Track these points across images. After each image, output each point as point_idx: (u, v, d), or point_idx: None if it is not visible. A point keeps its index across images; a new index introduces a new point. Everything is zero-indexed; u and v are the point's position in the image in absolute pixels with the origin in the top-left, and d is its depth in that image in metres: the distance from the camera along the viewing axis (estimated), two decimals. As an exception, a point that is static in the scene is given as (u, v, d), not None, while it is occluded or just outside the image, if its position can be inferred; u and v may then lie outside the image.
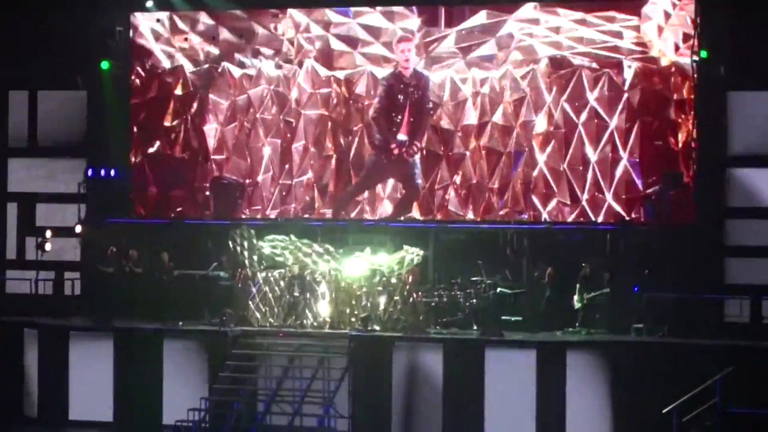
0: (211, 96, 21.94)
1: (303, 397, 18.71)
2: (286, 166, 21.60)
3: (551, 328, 18.93)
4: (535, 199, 20.58)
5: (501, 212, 20.73)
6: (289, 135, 21.67)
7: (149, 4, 22.37)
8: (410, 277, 19.72)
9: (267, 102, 21.72)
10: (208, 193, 21.94)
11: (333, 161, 21.54)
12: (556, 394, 18.14)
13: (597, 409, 18.01)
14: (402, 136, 21.06)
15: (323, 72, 21.39)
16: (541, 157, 20.61)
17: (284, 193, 21.77)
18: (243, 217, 21.59)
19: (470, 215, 21.06)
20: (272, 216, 21.65)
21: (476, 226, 20.71)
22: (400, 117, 21.11)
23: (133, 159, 22.22)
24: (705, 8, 19.83)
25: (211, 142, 21.94)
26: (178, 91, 22.06)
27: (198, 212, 21.85)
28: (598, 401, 18.04)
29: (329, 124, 21.50)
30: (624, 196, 20.50)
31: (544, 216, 20.62)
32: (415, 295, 19.49)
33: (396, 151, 20.98)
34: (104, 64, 22.11)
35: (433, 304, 19.57)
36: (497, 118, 20.65)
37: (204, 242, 21.20)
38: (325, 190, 21.48)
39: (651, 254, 19.57)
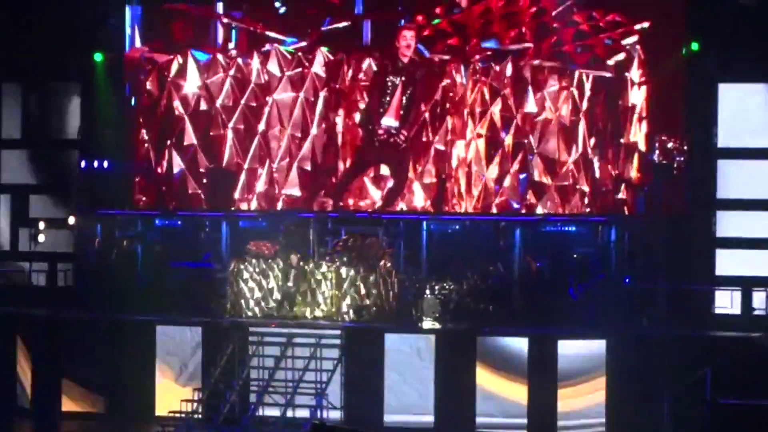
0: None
1: (295, 387, 18.58)
2: (279, 153, 21.39)
3: (543, 321, 18.86)
4: (530, 191, 20.46)
5: (496, 201, 20.53)
6: (267, 120, 21.45)
7: None
8: (385, 263, 19.59)
9: (229, 89, 21.50)
10: (204, 181, 21.64)
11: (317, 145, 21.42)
12: (547, 385, 18.07)
13: (588, 400, 17.97)
14: (390, 121, 20.81)
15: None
16: (538, 148, 20.44)
17: (273, 182, 21.50)
18: (233, 209, 21.25)
19: (466, 206, 20.79)
20: (262, 207, 21.37)
21: (469, 218, 20.50)
22: (389, 100, 20.81)
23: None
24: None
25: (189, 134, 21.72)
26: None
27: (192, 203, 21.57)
28: (589, 392, 17.99)
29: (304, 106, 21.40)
30: (616, 188, 20.37)
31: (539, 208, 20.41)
32: (386, 281, 19.42)
33: (384, 136, 20.74)
34: (97, 56, 21.88)
35: (425, 296, 19.22)
36: (496, 108, 20.52)
37: (197, 234, 20.91)
38: (317, 175, 21.31)
39: (643, 245, 19.40)
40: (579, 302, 18.86)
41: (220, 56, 21.59)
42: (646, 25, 20.10)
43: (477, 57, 20.62)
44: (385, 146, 20.79)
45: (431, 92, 20.92)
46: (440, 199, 20.78)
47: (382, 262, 19.59)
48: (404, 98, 20.65)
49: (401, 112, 20.61)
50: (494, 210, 20.45)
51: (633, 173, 20.42)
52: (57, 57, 21.73)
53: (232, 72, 21.58)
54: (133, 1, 22.01)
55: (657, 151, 19.98)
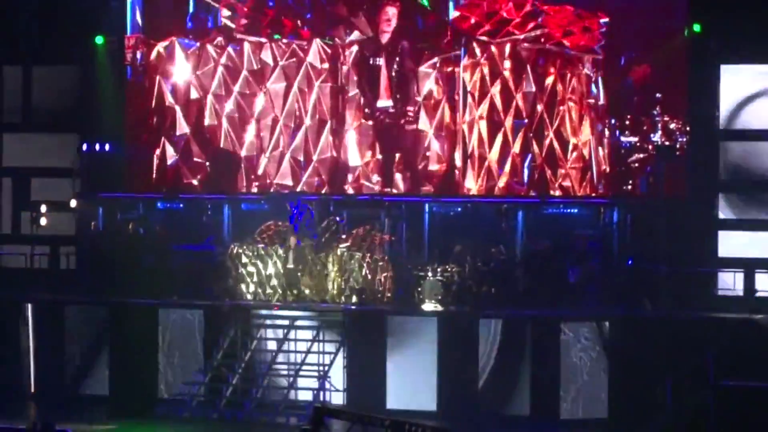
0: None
1: (298, 370, 18.76)
2: (280, 140, 21.48)
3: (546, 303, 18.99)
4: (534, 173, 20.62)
5: (500, 183, 20.63)
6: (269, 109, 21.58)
7: None
8: (375, 244, 19.69)
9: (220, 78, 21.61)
10: (208, 163, 21.80)
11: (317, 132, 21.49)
12: (552, 366, 18.20)
13: (591, 382, 18.08)
14: (385, 102, 21.01)
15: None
16: (539, 131, 20.58)
17: (276, 167, 21.59)
18: (236, 192, 21.42)
19: (471, 186, 20.88)
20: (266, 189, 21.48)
21: (469, 200, 20.63)
22: (378, 82, 21.02)
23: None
24: None
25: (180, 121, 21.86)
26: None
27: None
28: (593, 374, 18.12)
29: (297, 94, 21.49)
30: (618, 170, 20.59)
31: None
32: (369, 262, 19.52)
33: (383, 118, 20.96)
34: (98, 39, 21.96)
35: (428, 278, 19.25)
36: (496, 90, 20.62)
37: (199, 216, 21.05)
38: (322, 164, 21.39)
39: (645, 227, 19.48)
40: (579, 285, 19.00)
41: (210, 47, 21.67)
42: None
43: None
44: (391, 128, 20.96)
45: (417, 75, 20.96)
46: (448, 181, 20.93)
47: (380, 247, 19.73)
48: (393, 76, 20.77)
49: (392, 91, 20.76)
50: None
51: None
52: (58, 40, 21.74)
53: (223, 60, 21.65)
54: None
55: (659, 132, 20.16)
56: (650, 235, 19.56)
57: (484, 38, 20.87)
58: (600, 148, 20.63)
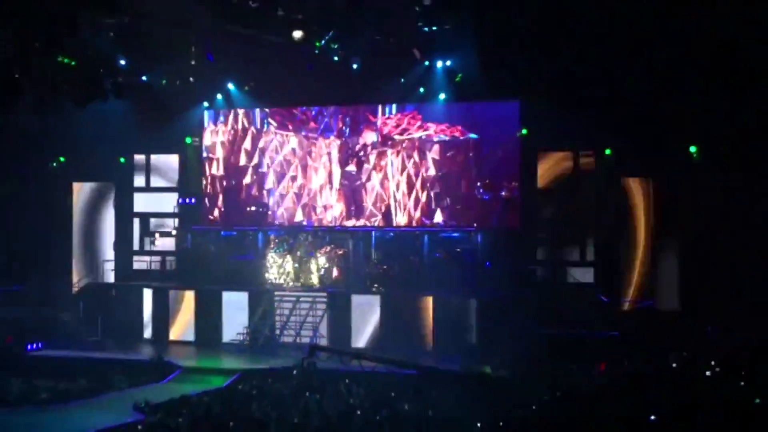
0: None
1: (301, 326, 18.96)
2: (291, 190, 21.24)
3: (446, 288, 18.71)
4: (438, 213, 20.70)
5: (415, 218, 20.61)
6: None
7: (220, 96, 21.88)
8: (337, 255, 19.54)
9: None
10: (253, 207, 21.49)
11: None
12: (443, 325, 18.02)
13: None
14: (351, 168, 20.74)
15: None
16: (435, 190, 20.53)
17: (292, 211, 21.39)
18: (265, 225, 21.32)
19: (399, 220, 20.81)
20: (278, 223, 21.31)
21: (397, 229, 20.52)
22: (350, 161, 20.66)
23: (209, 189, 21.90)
24: (523, 104, 19.82)
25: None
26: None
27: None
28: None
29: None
30: (481, 211, 20.35)
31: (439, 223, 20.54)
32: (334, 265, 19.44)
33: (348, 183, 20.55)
34: (188, 139, 22.41)
35: (374, 272, 19.43)
36: (409, 165, 20.66)
37: (242, 240, 21.07)
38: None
39: (496, 244, 19.41)
40: (460, 279, 18.82)
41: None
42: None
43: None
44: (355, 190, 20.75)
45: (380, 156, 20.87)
46: (387, 217, 20.88)
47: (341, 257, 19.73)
48: (360, 155, 20.61)
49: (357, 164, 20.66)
50: (413, 224, 20.75)
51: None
52: (165, 139, 22.04)
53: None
54: (208, 107, 22.36)
55: (504, 190, 20.18)
56: (500, 248, 19.36)
57: (398, 137, 20.75)
58: (473, 198, 20.39)
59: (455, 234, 19.91)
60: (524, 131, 20.14)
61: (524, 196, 20.16)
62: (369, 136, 20.94)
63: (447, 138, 20.42)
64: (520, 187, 20.21)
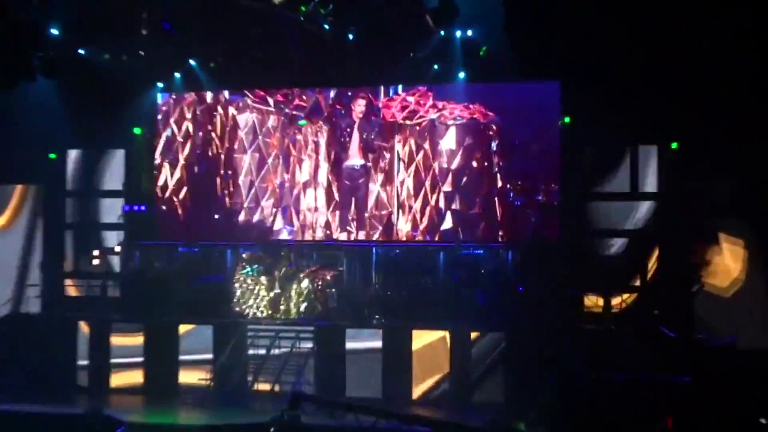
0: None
1: (281, 369, 18.74)
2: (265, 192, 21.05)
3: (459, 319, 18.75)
4: (454, 221, 20.24)
5: (421, 227, 20.22)
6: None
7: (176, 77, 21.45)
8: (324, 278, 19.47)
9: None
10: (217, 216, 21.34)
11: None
12: (464, 363, 18.02)
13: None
14: (351, 161, 20.60)
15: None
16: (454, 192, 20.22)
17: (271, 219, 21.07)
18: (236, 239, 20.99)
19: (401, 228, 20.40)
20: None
21: (404, 244, 20.26)
22: (348, 144, 20.57)
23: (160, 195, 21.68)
24: (565, 85, 19.48)
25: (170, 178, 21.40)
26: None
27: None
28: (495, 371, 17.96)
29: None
30: (511, 221, 20.12)
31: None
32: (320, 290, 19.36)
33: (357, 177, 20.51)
34: (137, 130, 21.91)
35: (375, 300, 19.26)
36: (420, 158, 20.38)
37: (206, 258, 20.74)
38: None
39: (530, 263, 19.05)
40: (484, 306, 18.73)
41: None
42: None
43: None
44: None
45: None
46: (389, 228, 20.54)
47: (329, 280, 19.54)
48: (363, 137, 20.45)
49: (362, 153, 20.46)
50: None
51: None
52: (107, 130, 21.57)
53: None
54: (163, 89, 21.89)
55: (541, 194, 19.88)
56: (534, 268, 18.96)
57: (408, 122, 20.42)
58: (501, 203, 20.08)
59: (478, 250, 19.71)
60: (567, 119, 19.70)
61: (566, 202, 19.84)
62: (369, 123, 20.64)
63: (464, 119, 20.15)
64: (562, 189, 19.84)
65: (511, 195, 20.10)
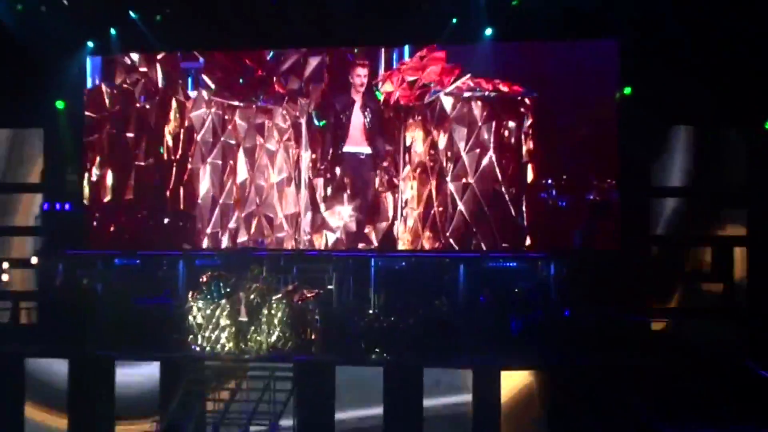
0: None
1: (250, 419, 18.03)
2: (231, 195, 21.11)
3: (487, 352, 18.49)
4: (474, 229, 20.19)
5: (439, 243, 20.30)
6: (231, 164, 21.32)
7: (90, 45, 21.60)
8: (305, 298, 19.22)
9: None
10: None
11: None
12: (492, 414, 17.55)
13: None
14: (354, 148, 20.64)
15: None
16: (475, 187, 20.16)
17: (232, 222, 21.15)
18: (187, 247, 21.14)
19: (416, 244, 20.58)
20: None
21: (413, 254, 20.20)
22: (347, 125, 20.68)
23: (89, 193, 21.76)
24: (625, 45, 19.47)
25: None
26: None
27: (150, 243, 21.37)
28: (533, 423, 17.57)
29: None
30: (551, 225, 20.16)
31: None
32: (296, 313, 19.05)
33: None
34: (59, 104, 21.57)
35: (374, 328, 18.71)
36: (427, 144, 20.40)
37: (151, 273, 20.66)
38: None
39: (581, 279, 19.08)
40: (519, 335, 18.54)
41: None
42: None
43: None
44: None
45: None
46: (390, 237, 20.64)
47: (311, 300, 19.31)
48: (366, 121, 20.57)
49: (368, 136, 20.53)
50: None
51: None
52: (21, 103, 21.38)
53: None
54: (93, 51, 21.72)
55: (593, 191, 19.91)
56: (586, 286, 18.94)
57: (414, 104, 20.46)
58: (540, 202, 20.09)
59: (511, 263, 19.60)
60: (627, 90, 19.39)
61: (628, 201, 19.63)
62: (373, 99, 20.69)
63: (489, 93, 20.18)
64: (621, 185, 19.63)
65: (554, 192, 20.14)
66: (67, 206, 21.47)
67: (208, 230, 21.16)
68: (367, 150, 20.49)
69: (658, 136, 19.92)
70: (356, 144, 20.58)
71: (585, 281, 18.87)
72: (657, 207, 19.94)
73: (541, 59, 19.81)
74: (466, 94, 20.02)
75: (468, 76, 20.08)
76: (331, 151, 20.76)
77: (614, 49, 19.24)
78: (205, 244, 21.06)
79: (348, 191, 20.78)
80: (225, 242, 21.14)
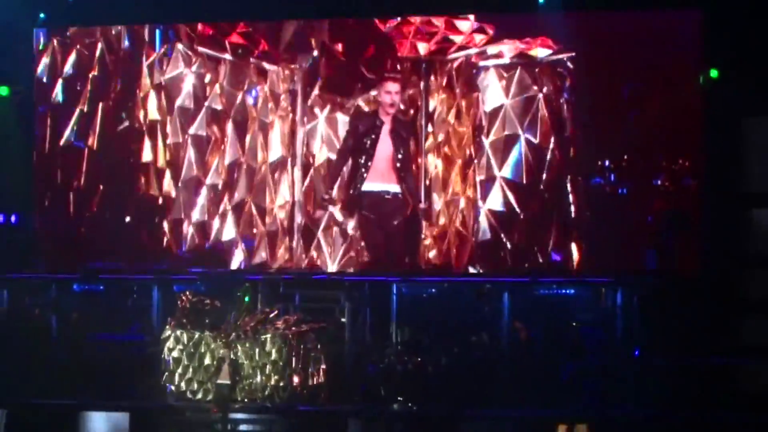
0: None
1: None
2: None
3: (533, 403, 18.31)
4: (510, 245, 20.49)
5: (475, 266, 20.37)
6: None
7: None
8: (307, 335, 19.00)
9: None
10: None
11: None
12: None
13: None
14: (378, 185, 20.30)
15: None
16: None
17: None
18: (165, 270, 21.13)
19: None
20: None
21: (444, 279, 20.08)
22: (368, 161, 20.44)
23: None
24: (712, 21, 19.54)
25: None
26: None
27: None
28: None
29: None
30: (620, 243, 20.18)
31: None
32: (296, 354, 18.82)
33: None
34: (3, 90, 21.70)
35: (396, 370, 18.58)
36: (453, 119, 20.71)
37: (117, 301, 20.46)
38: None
39: (655, 311, 18.86)
40: (574, 382, 18.43)
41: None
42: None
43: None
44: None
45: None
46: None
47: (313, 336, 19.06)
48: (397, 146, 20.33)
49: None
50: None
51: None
52: None
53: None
54: (46, 22, 21.87)
55: (668, 197, 20.05)
56: (661, 321, 18.82)
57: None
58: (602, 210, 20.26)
59: (567, 290, 19.48)
60: (713, 73, 19.41)
61: (713, 210, 19.53)
62: (405, 126, 20.65)
63: (541, 54, 20.58)
64: (705, 188, 19.71)
65: (611, 188, 20.35)
66: (13, 218, 21.54)
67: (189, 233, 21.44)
68: (396, 188, 20.19)
69: (752, 128, 19.87)
70: (381, 179, 20.23)
71: (661, 311, 18.73)
72: (753, 217, 19.76)
73: (604, 31, 19.99)
74: (495, 62, 20.37)
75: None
76: (351, 189, 20.62)
77: (697, 21, 19.41)
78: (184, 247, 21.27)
79: (370, 228, 20.62)
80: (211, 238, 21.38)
